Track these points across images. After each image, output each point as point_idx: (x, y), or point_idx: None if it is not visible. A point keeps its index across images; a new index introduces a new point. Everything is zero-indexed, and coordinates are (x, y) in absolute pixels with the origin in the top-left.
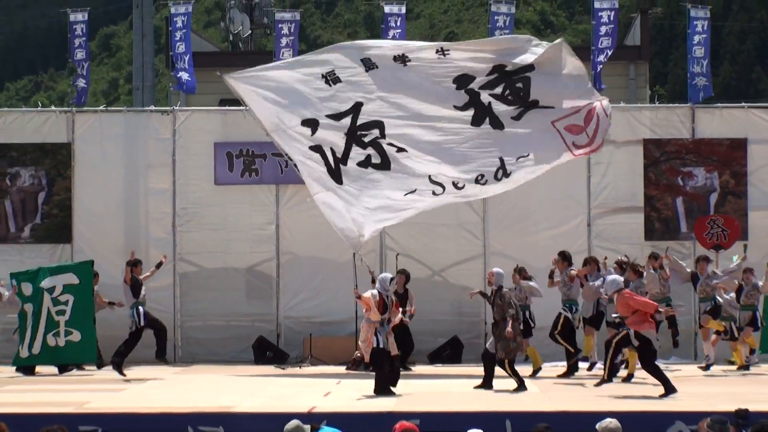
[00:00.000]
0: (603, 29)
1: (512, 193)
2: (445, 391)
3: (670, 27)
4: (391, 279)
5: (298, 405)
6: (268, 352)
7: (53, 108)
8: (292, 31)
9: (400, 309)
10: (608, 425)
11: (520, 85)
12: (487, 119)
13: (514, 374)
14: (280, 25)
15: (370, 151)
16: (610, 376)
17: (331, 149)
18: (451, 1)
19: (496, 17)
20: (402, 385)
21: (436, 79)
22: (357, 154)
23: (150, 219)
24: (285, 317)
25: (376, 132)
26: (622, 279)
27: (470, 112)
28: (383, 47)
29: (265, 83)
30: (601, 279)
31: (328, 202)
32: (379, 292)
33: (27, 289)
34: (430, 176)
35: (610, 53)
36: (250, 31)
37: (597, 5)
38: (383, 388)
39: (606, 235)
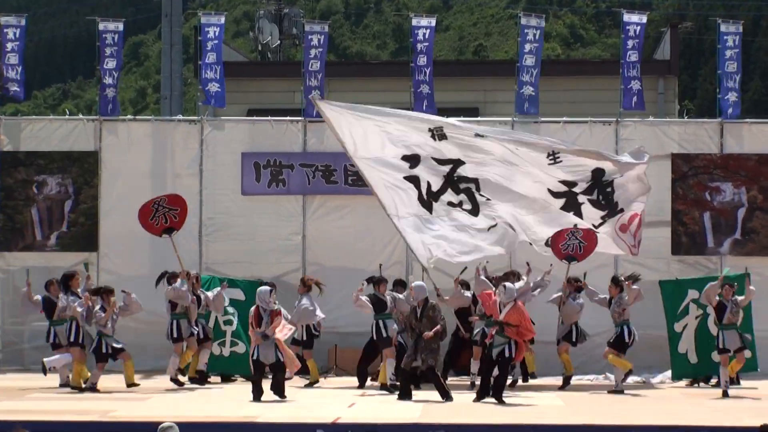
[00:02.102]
0: (630, 43)
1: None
2: (469, 402)
3: (698, 42)
4: (271, 291)
5: (323, 415)
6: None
7: (81, 116)
8: (321, 42)
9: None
10: None
11: (609, 189)
12: (572, 212)
13: (443, 385)
14: (309, 37)
15: (463, 197)
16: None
17: (428, 183)
18: (481, 14)
19: (525, 30)
20: (426, 396)
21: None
22: (450, 195)
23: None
24: None
25: (472, 186)
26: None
27: (562, 201)
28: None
29: (365, 114)
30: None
31: (411, 225)
32: (256, 304)
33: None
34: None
35: (637, 67)
36: (279, 42)
37: (626, 18)
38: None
39: None
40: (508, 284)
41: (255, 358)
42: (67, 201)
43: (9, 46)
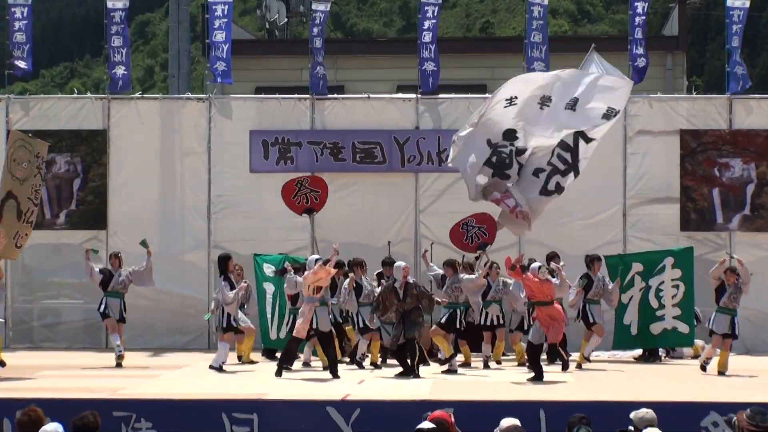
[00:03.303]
0: (637, 20)
1: None
2: (479, 379)
3: (706, 17)
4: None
5: (332, 393)
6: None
7: (89, 95)
8: (321, 21)
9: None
10: (644, 415)
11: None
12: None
13: (415, 360)
14: (314, 15)
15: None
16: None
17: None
18: None
19: (532, 7)
20: (436, 373)
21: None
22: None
23: (185, 206)
24: None
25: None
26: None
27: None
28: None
29: None
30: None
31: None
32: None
33: (268, 269)
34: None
35: (643, 43)
36: (286, 19)
37: None
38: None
39: (641, 226)
40: (534, 263)
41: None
42: (75, 179)
43: (16, 25)
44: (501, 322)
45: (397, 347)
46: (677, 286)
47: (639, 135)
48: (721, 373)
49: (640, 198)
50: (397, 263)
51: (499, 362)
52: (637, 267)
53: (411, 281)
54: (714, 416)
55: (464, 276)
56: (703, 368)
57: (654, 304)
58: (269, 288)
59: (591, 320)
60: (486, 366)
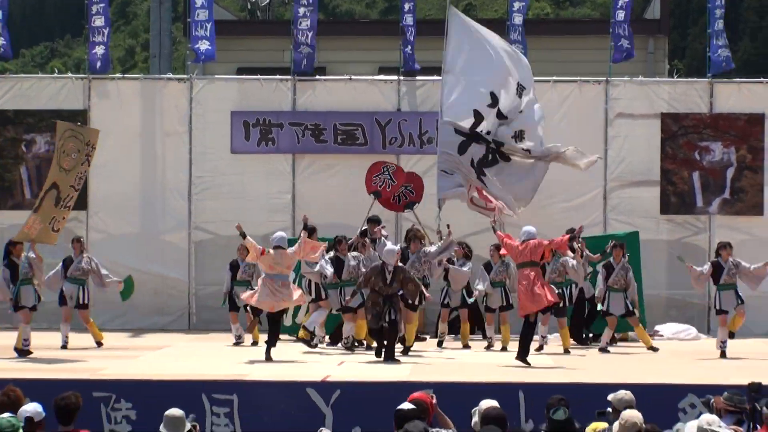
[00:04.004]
0: (620, 2)
1: None
2: (458, 361)
3: (688, 1)
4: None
5: (312, 374)
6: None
7: (69, 75)
8: (310, 1)
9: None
10: (623, 397)
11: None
12: None
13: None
14: None
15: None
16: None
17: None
18: None
19: None
20: (416, 355)
21: None
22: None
23: (166, 187)
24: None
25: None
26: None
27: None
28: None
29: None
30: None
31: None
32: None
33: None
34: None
35: (625, 27)
36: (268, 0)
37: None
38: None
39: (621, 209)
40: (525, 227)
41: None
42: None
43: None
44: (504, 304)
45: (377, 328)
46: None
47: (620, 118)
48: (732, 334)
49: (621, 181)
50: (390, 247)
51: (505, 348)
52: None
53: (400, 265)
54: (692, 398)
55: (429, 249)
56: (724, 354)
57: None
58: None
59: (606, 309)
60: (488, 347)
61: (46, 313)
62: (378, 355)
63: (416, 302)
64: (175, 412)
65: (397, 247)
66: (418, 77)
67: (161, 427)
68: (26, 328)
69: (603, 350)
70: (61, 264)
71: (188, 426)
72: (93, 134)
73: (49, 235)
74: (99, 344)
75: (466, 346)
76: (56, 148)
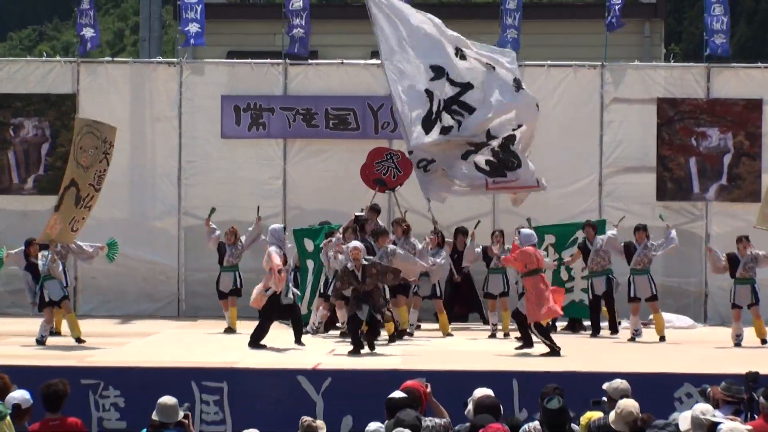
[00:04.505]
0: None
1: None
2: (451, 349)
3: None
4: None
5: (303, 362)
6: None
7: (58, 58)
8: None
9: None
10: (618, 386)
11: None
12: None
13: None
14: None
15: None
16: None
17: (440, 102)
18: None
19: None
20: (409, 343)
21: None
22: (448, 119)
23: (155, 172)
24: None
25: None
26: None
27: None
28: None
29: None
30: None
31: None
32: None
33: (309, 245)
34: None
35: (619, 10)
36: None
37: None
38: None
39: (617, 195)
40: (523, 230)
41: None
42: (44, 144)
43: None
44: (505, 290)
45: (351, 321)
46: None
47: (615, 103)
48: (764, 341)
49: (616, 167)
50: (353, 243)
51: (507, 334)
52: (549, 239)
53: (366, 262)
54: (688, 387)
55: (399, 251)
56: (738, 344)
57: (564, 276)
58: (311, 265)
59: (632, 294)
60: (492, 335)
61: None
62: (355, 352)
63: (405, 282)
64: (168, 400)
65: (352, 245)
66: None
67: (153, 415)
68: (46, 326)
69: (632, 339)
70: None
71: (181, 414)
72: (110, 131)
73: (68, 235)
74: (78, 340)
75: (447, 335)
76: (73, 144)
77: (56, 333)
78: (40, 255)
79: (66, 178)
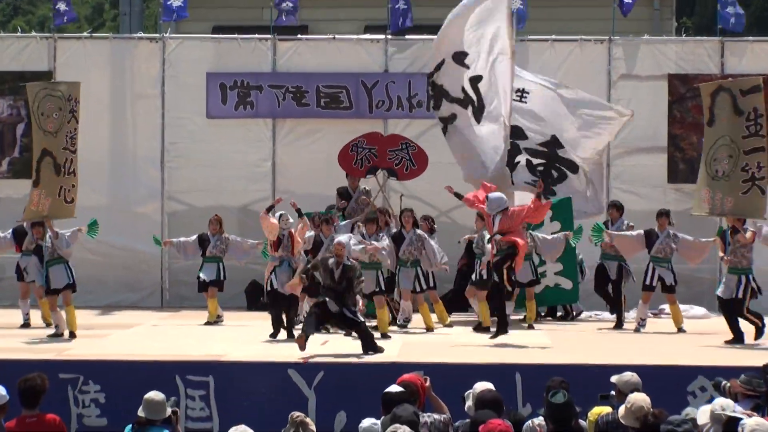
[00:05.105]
0: None
1: None
2: (451, 341)
3: None
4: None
5: (292, 354)
6: (261, 298)
7: (33, 33)
8: None
9: None
10: (629, 379)
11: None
12: None
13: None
14: None
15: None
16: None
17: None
18: None
19: None
20: (406, 334)
21: None
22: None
23: (137, 154)
24: None
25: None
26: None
27: None
28: None
29: None
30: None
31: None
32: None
33: None
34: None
35: None
36: None
37: None
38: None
39: (625, 177)
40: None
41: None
42: (19, 124)
43: None
44: (534, 278)
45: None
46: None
47: (624, 79)
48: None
49: (625, 147)
50: (339, 238)
51: (531, 326)
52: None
53: (349, 263)
54: (702, 380)
55: (356, 246)
56: (638, 330)
57: (535, 260)
58: None
59: (648, 282)
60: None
61: (10, 289)
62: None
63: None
64: (155, 395)
65: (342, 239)
66: (407, 36)
67: (140, 411)
68: (55, 314)
69: (637, 330)
70: (10, 232)
71: (169, 410)
72: (73, 87)
73: (64, 208)
74: (72, 335)
75: (429, 329)
76: (32, 113)
77: (48, 324)
78: (46, 238)
79: (36, 150)
